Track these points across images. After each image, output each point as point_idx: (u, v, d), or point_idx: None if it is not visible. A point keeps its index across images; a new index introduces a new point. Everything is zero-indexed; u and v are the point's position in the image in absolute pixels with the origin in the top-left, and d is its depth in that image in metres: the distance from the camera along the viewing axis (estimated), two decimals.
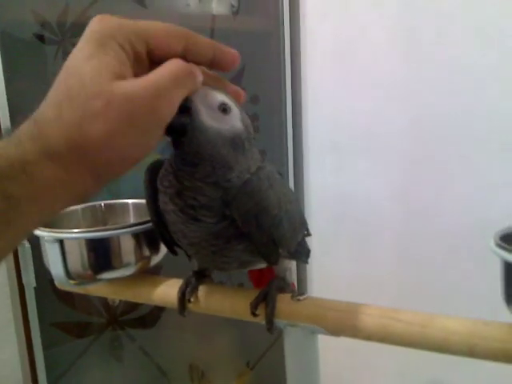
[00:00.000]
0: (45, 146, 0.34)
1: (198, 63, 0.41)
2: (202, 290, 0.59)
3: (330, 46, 1.13)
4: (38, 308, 0.98)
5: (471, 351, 0.43)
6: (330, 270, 1.18)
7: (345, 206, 1.13)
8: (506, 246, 0.39)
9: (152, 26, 0.39)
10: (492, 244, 0.41)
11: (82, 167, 0.35)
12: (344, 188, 1.13)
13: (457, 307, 0.50)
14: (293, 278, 0.63)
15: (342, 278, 1.13)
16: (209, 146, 0.45)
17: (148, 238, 0.63)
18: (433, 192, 0.95)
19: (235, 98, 0.47)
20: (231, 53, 0.44)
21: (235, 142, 0.47)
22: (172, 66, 0.38)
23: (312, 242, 1.23)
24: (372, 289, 1.04)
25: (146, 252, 0.64)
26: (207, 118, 0.44)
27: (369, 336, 0.48)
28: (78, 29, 0.98)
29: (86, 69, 0.35)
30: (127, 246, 0.61)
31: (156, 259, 0.65)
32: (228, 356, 1.39)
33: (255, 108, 1.22)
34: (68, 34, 0.97)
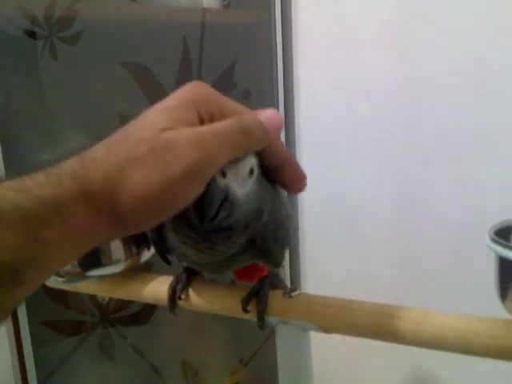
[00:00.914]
0: (84, 184, 0.33)
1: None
2: (192, 287, 0.58)
3: (323, 40, 1.12)
4: (27, 306, 0.97)
5: (465, 348, 0.43)
6: (324, 268, 1.18)
7: (338, 204, 1.13)
8: (500, 240, 0.39)
9: (239, 109, 0.39)
10: (487, 239, 0.40)
11: (112, 214, 0.34)
12: (337, 187, 1.12)
13: (451, 304, 0.49)
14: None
15: (336, 277, 1.12)
16: (246, 213, 0.43)
17: (138, 235, 0.62)
18: (425, 191, 0.95)
19: (296, 185, 0.46)
20: (300, 175, 0.45)
21: (261, 187, 0.44)
22: (229, 123, 0.36)
23: (306, 241, 1.23)
24: (366, 287, 1.04)
25: (136, 249, 0.63)
26: (244, 196, 0.41)
27: (361, 333, 0.48)
28: (65, 23, 0.96)
29: (151, 115, 0.36)
30: (116, 242, 0.60)
31: (146, 256, 0.65)
32: (221, 353, 1.39)
33: (247, 103, 1.20)
34: (55, 27, 0.95)
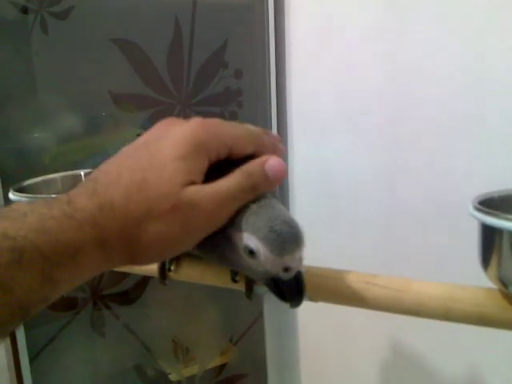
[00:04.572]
0: (102, 232, 0.35)
1: None
2: (182, 258, 0.59)
3: (315, 20, 1.12)
4: None
5: (447, 315, 0.44)
6: (312, 242, 1.19)
7: (327, 179, 1.14)
8: (483, 208, 0.39)
9: (238, 135, 0.42)
10: (470, 208, 0.41)
11: (123, 256, 0.37)
12: (327, 162, 1.13)
13: (437, 276, 0.50)
14: None
15: (324, 250, 1.14)
16: None
17: None
18: (411, 166, 0.97)
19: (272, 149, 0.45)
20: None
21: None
22: (240, 180, 0.39)
23: (295, 216, 1.24)
24: (353, 261, 1.05)
25: None
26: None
27: (346, 301, 0.49)
28: None
29: (169, 168, 0.37)
30: None
31: None
32: (211, 332, 1.40)
33: (239, 83, 1.21)
34: (46, 1, 0.94)
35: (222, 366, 1.39)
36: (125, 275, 1.18)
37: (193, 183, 0.37)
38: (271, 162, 0.41)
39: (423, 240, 0.95)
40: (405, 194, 0.98)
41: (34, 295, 0.32)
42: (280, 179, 0.42)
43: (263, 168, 0.41)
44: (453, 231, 0.88)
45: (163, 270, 0.59)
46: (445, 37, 0.88)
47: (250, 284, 0.54)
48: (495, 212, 0.38)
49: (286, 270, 0.40)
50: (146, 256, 0.38)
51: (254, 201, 0.41)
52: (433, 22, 0.90)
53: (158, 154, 0.38)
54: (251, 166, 0.41)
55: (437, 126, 0.91)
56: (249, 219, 0.40)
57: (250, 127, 0.45)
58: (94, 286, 1.16)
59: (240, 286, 0.54)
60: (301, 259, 0.41)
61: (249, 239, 0.40)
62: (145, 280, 1.21)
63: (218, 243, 0.43)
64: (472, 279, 0.45)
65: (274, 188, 0.43)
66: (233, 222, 0.41)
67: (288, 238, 0.40)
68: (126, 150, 0.40)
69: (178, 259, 0.59)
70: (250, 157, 0.42)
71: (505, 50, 0.80)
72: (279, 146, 0.46)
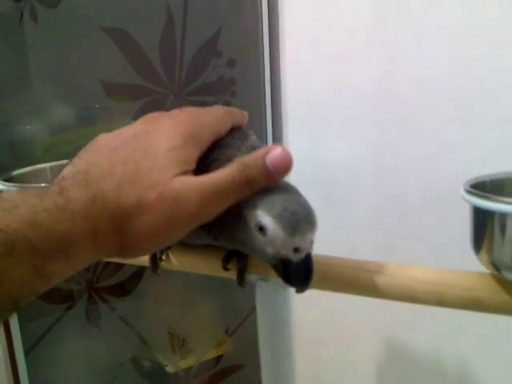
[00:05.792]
0: (95, 223, 0.35)
1: None
2: (173, 248, 0.59)
3: (309, 6, 1.11)
4: None
5: (439, 300, 0.44)
6: None
7: (322, 168, 1.13)
8: (475, 191, 0.39)
9: (219, 119, 0.43)
10: (462, 191, 0.41)
11: (114, 248, 0.37)
12: (321, 150, 1.13)
13: (431, 262, 0.50)
14: None
15: (318, 238, 1.14)
16: None
17: None
18: (405, 153, 0.97)
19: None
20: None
21: None
22: (233, 174, 0.38)
23: None
24: (347, 248, 1.05)
25: None
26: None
27: (338, 287, 0.48)
28: None
29: (161, 158, 0.37)
30: None
31: None
32: (207, 323, 1.40)
33: (232, 72, 1.20)
34: None
35: (219, 358, 1.39)
36: (120, 267, 1.18)
37: (185, 173, 0.37)
38: (273, 153, 0.39)
39: (416, 226, 0.95)
40: (398, 181, 0.98)
41: (25, 288, 0.32)
42: (284, 172, 0.40)
43: (263, 160, 0.39)
44: (444, 217, 0.88)
45: (154, 260, 0.59)
46: (439, 24, 0.87)
47: (241, 272, 0.53)
48: (487, 194, 0.37)
49: (296, 250, 0.40)
50: (136, 247, 0.38)
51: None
52: (428, 9, 0.89)
53: (150, 146, 0.38)
54: (249, 159, 0.39)
55: (430, 115, 0.91)
56: (264, 198, 0.40)
57: (219, 107, 0.46)
58: (88, 278, 1.15)
59: (231, 274, 0.54)
60: (312, 242, 0.42)
61: (262, 216, 0.40)
62: (140, 271, 1.20)
63: (229, 222, 0.43)
64: (464, 266, 0.44)
65: (277, 181, 0.41)
66: (247, 201, 0.41)
67: (301, 219, 0.40)
68: (115, 144, 0.39)
69: (168, 248, 0.59)
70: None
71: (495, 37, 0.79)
72: (244, 112, 0.48)
